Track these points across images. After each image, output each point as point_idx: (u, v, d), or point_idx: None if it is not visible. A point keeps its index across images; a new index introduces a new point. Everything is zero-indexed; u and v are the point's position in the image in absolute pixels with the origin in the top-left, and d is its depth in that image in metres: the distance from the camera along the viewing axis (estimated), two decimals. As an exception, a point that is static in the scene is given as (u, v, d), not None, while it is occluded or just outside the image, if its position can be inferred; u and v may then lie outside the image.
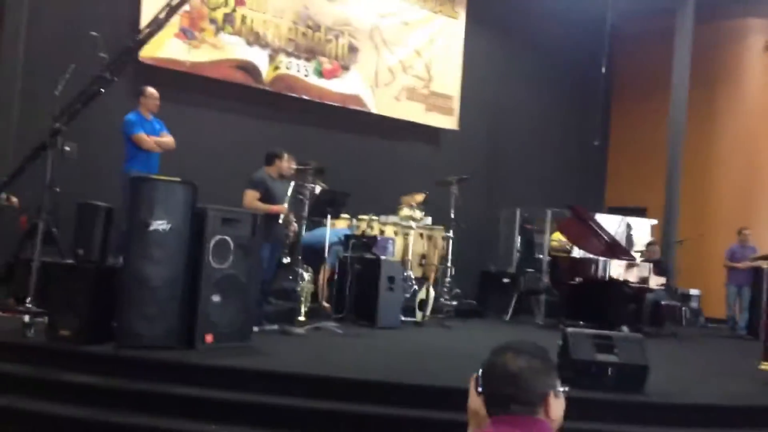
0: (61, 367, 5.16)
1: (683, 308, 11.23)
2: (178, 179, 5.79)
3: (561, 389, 1.89)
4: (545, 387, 1.85)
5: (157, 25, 6.30)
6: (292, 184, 7.45)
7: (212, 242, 5.76)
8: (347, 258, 8.24)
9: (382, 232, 9.41)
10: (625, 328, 8.66)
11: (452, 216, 9.66)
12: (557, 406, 1.87)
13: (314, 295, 8.07)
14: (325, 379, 5.11)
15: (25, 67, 8.27)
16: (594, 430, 4.78)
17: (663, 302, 10.22)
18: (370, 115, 11.57)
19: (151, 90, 7.58)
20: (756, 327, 10.18)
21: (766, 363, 6.33)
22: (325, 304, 8.20)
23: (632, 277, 9.71)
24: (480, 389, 1.88)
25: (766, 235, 12.52)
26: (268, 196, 7.13)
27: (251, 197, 7.06)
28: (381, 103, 11.69)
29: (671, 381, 5.95)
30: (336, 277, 8.32)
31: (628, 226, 12.21)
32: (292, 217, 8.38)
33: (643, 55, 14.29)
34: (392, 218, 9.71)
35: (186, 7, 7.24)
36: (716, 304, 11.92)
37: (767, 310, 6.85)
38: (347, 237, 8.46)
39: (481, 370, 1.90)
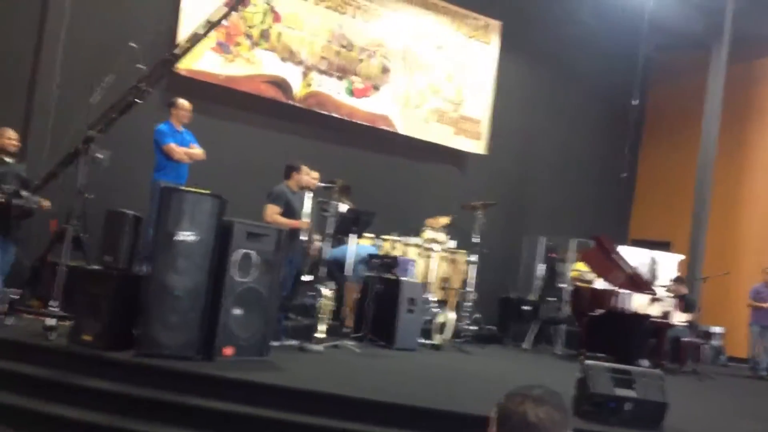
0: (81, 372, 5.22)
1: (705, 346, 11.12)
2: (206, 191, 5.85)
3: None
4: None
5: (195, 39, 6.40)
6: (310, 195, 7.48)
7: (236, 255, 5.82)
8: (368, 277, 8.26)
9: (404, 253, 9.43)
10: (645, 362, 8.57)
11: (475, 240, 9.65)
12: None
13: (334, 312, 8.09)
14: (340, 398, 5.11)
15: (63, 75, 8.44)
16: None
17: (684, 339, 10.11)
18: (398, 135, 11.63)
19: (182, 101, 7.69)
20: (778, 368, 10.05)
21: (787, 407, 6.23)
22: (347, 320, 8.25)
23: (654, 311, 9.62)
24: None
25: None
26: (288, 210, 7.18)
27: (272, 212, 7.11)
28: (410, 125, 11.75)
29: (689, 420, 5.89)
30: (358, 294, 8.34)
31: (653, 260, 12.11)
32: (316, 234, 8.44)
33: (675, 88, 14.23)
34: (415, 240, 9.73)
35: (224, 22, 7.35)
36: (739, 343, 11.77)
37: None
38: (370, 256, 8.49)
39: (496, 414, 1.89)
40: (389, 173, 11.41)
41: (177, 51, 6.49)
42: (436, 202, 10.86)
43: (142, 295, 5.59)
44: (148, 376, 5.19)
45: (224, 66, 9.78)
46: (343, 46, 11.04)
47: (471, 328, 9.61)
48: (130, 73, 6.24)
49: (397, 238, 9.47)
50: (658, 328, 9.68)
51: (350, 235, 8.04)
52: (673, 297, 10.25)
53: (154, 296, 5.50)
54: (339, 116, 11.00)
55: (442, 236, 9.85)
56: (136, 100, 6.15)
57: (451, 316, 8.82)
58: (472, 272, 9.67)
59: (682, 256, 12.43)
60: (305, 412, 4.91)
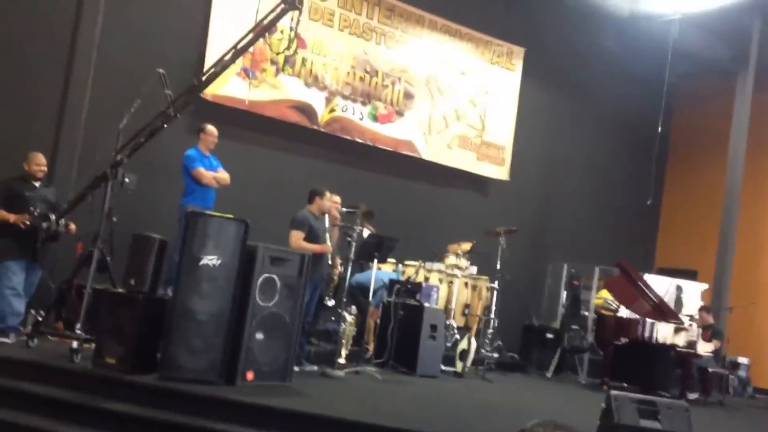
0: (104, 395, 5.25)
1: (731, 377, 10.94)
2: (231, 216, 5.89)
3: None
4: None
5: (222, 65, 6.47)
6: (327, 218, 7.51)
7: (260, 280, 5.84)
8: (390, 303, 8.24)
9: (427, 279, 9.41)
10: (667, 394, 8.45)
11: (498, 267, 9.61)
12: None
13: (356, 338, 8.08)
14: (361, 425, 5.08)
15: (91, 99, 8.56)
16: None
17: (710, 369, 9.95)
18: (421, 161, 11.65)
19: (211, 128, 7.80)
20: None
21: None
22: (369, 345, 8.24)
23: (680, 341, 9.50)
24: None
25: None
26: (311, 235, 7.20)
27: (296, 237, 7.13)
28: (433, 150, 11.77)
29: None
30: (379, 320, 8.33)
31: (679, 289, 11.96)
32: (338, 260, 8.45)
33: (700, 115, 14.17)
34: (438, 266, 9.70)
35: (250, 49, 7.45)
36: (765, 375, 11.56)
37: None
38: (392, 282, 8.47)
39: None
40: (412, 198, 11.42)
41: (204, 77, 6.57)
42: (459, 227, 10.84)
43: (166, 319, 5.62)
44: (170, 400, 5.21)
45: (249, 91, 9.87)
46: (367, 72, 11.11)
47: (493, 355, 9.54)
48: (158, 98, 6.32)
49: (419, 264, 9.44)
50: (684, 358, 9.55)
51: (373, 261, 8.03)
52: (699, 327, 10.12)
53: (177, 320, 5.53)
54: (362, 141, 11.04)
55: (464, 262, 9.82)
56: (163, 124, 6.22)
57: (473, 343, 8.76)
58: (494, 299, 9.62)
59: (707, 285, 12.28)
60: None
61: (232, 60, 6.51)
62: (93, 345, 5.80)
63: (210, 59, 8.65)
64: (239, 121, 9.71)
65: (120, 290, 5.97)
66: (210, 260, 5.62)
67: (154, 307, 5.80)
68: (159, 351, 5.65)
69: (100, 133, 7.77)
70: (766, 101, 12.99)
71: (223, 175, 7.78)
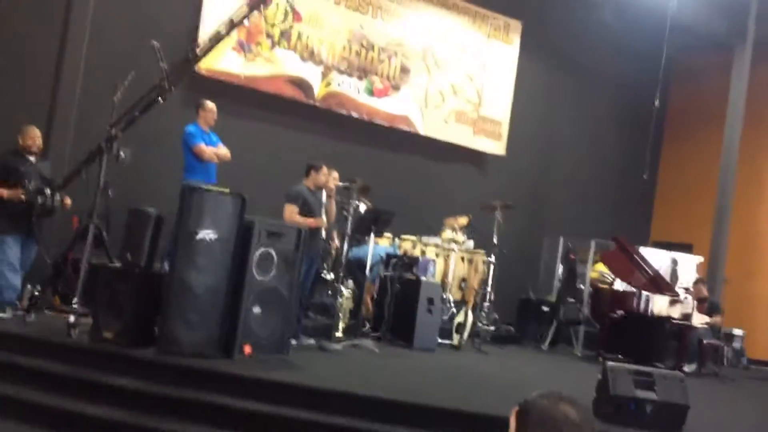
0: (102, 369, 5.27)
1: (726, 348, 11.01)
2: (227, 190, 5.89)
3: None
4: None
5: (217, 38, 6.42)
6: (324, 192, 7.51)
7: (257, 254, 5.85)
8: (387, 277, 8.26)
9: (423, 253, 9.42)
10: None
11: (494, 241, 9.62)
12: None
13: (353, 312, 8.11)
14: (358, 397, 5.13)
15: (85, 73, 8.51)
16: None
17: (705, 341, 10.02)
18: (418, 136, 11.62)
19: (210, 104, 7.76)
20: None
21: (810, 411, 6.16)
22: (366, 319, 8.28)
23: (675, 313, 9.55)
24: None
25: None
26: (306, 209, 7.20)
27: (290, 211, 7.12)
28: (429, 125, 11.74)
29: (711, 423, 5.84)
30: (376, 294, 8.36)
31: (674, 262, 12.01)
32: (335, 234, 8.46)
33: (697, 90, 14.12)
34: (434, 240, 9.72)
35: (245, 22, 7.38)
36: (761, 346, 11.65)
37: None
38: (389, 256, 8.49)
39: (528, 415, 1.84)
40: (409, 173, 11.40)
41: (199, 50, 6.52)
42: (456, 202, 10.83)
43: (163, 293, 5.63)
44: (168, 374, 5.24)
45: (245, 66, 9.82)
46: (363, 46, 11.04)
47: (489, 328, 9.59)
48: (152, 71, 6.28)
49: (416, 238, 9.46)
50: (680, 330, 9.61)
51: (369, 235, 8.04)
52: (694, 299, 10.17)
53: (174, 294, 5.54)
54: (359, 116, 11.00)
55: (461, 236, 9.82)
56: (158, 98, 6.18)
57: (470, 316, 8.80)
58: (491, 272, 9.65)
59: (702, 258, 12.33)
60: (323, 411, 4.93)
61: (227, 33, 6.45)
62: (90, 319, 5.81)
63: (205, 32, 8.58)
64: (235, 96, 9.66)
65: (116, 265, 5.97)
66: (206, 234, 5.63)
67: (150, 281, 5.82)
68: (156, 325, 5.67)
69: (95, 107, 7.74)
70: (763, 74, 12.95)
71: (224, 150, 7.75)
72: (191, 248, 5.61)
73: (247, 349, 5.77)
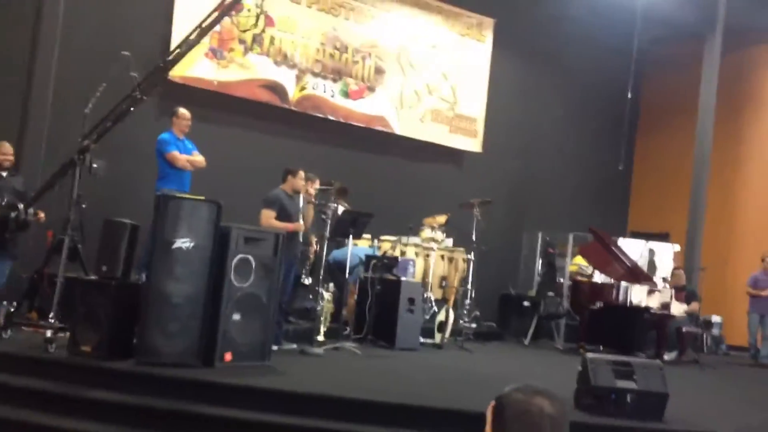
0: (81, 383, 5.23)
1: (705, 335, 11.14)
2: (202, 198, 5.87)
3: None
4: (568, 430, 1.86)
5: (187, 45, 6.40)
6: (302, 197, 7.52)
7: (234, 261, 5.84)
8: (368, 279, 8.28)
9: (403, 253, 9.45)
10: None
11: (474, 238, 9.67)
12: None
13: (335, 315, 8.12)
14: (340, 400, 5.14)
15: (56, 85, 8.45)
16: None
17: (685, 329, 10.13)
18: (394, 136, 11.65)
19: (183, 111, 7.74)
20: (778, 355, 10.07)
21: (788, 394, 6.25)
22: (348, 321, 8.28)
23: (654, 302, 9.64)
24: (497, 427, 1.86)
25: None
26: (283, 214, 7.20)
27: (267, 216, 7.13)
28: (406, 125, 11.76)
29: (691, 409, 5.91)
30: (356, 297, 8.37)
31: (651, 252, 12.13)
32: (314, 238, 8.46)
33: (669, 80, 14.24)
34: (414, 239, 9.74)
35: (216, 28, 7.37)
36: (738, 332, 11.78)
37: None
38: (368, 257, 8.50)
39: (504, 409, 1.86)
40: (386, 174, 11.43)
41: (170, 58, 6.50)
42: (434, 201, 10.87)
43: (141, 304, 5.60)
44: (148, 385, 5.21)
45: (218, 72, 9.80)
46: (337, 48, 11.05)
47: (471, 325, 9.63)
48: (124, 81, 6.25)
49: (395, 238, 9.48)
50: (659, 319, 9.71)
51: (349, 237, 8.05)
52: (672, 288, 10.27)
53: (152, 304, 5.52)
54: (335, 118, 11.01)
55: (440, 235, 9.86)
56: (130, 108, 6.16)
57: (451, 314, 8.84)
58: (471, 270, 9.69)
59: (679, 247, 12.45)
60: (306, 415, 4.93)
61: (198, 39, 6.43)
62: (67, 334, 5.77)
63: (176, 40, 8.56)
64: (209, 103, 9.64)
65: (92, 277, 5.94)
66: (183, 243, 5.61)
67: (127, 292, 5.79)
68: (135, 336, 5.64)
69: (67, 119, 7.70)
70: (734, 63, 13.10)
71: (198, 158, 7.74)
72: (168, 257, 5.59)
73: (228, 356, 5.76)
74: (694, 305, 10.53)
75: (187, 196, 6.06)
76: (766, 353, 10.82)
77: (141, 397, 5.06)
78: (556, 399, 1.87)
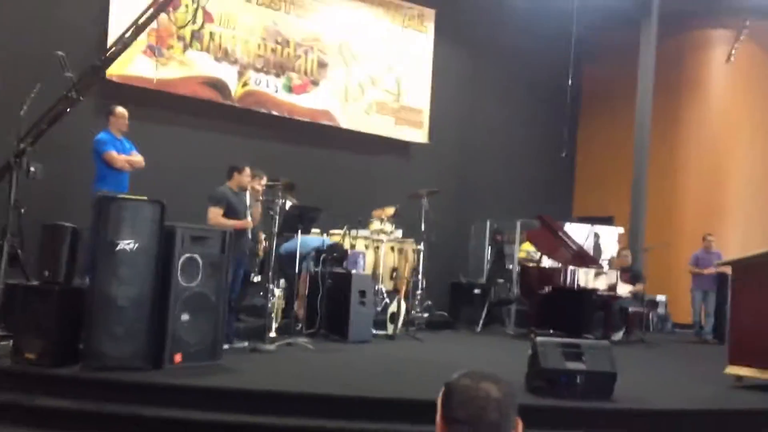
0: (26, 391, 5.10)
1: (650, 314, 11.41)
2: (144, 198, 5.77)
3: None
4: (516, 413, 1.89)
5: (123, 43, 6.30)
6: (248, 193, 7.45)
7: (181, 260, 5.76)
8: (318, 273, 8.25)
9: (353, 246, 9.44)
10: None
11: (423, 229, 9.72)
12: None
13: (285, 311, 8.07)
14: (295, 396, 5.12)
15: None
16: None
17: (631, 309, 10.35)
18: (340, 129, 11.62)
19: (120, 109, 7.56)
20: (722, 331, 10.35)
21: (731, 367, 6.42)
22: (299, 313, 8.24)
23: (600, 284, 9.83)
24: (446, 414, 1.89)
25: (730, 241, 12.75)
26: (231, 211, 7.12)
27: (214, 214, 7.04)
28: (351, 118, 11.75)
29: (639, 387, 6.03)
30: (307, 290, 8.33)
31: (596, 235, 12.36)
32: (262, 234, 8.40)
33: (608, 67, 14.50)
34: (363, 232, 9.74)
35: (153, 25, 7.25)
36: (683, 310, 12.10)
37: (732, 315, 6.95)
38: (318, 251, 8.47)
39: (452, 396, 1.88)
40: (333, 168, 11.39)
41: (106, 56, 6.38)
42: (382, 193, 10.89)
43: (86, 308, 5.49)
44: (97, 390, 5.11)
45: (157, 70, 9.63)
46: (279, 43, 10.97)
47: (423, 315, 9.69)
48: (60, 81, 6.11)
49: (344, 232, 9.47)
50: (605, 300, 9.90)
51: (297, 232, 8.01)
52: (618, 269, 10.49)
53: (97, 308, 5.41)
54: (279, 114, 10.94)
55: (389, 227, 9.88)
56: (66, 109, 6.03)
57: (403, 305, 8.87)
58: (421, 260, 9.74)
59: (623, 229, 12.72)
60: (260, 413, 4.90)
61: (134, 37, 6.34)
62: (10, 342, 5.62)
63: (112, 38, 8.38)
64: (149, 101, 9.48)
65: (34, 283, 5.80)
66: (126, 245, 5.50)
67: (71, 297, 5.65)
68: (81, 342, 5.52)
69: (2, 123, 7.47)
70: (671, 48, 13.40)
71: (137, 158, 7.58)
72: (112, 260, 5.48)
73: (177, 357, 5.68)
74: (639, 286, 10.77)
75: (130, 196, 5.93)
76: (710, 330, 11.12)
77: (89, 403, 4.95)
78: (503, 383, 1.89)
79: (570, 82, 12.96)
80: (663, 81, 13.01)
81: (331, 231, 9.46)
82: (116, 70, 8.92)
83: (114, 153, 7.32)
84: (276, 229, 7.69)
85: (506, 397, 1.86)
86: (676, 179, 13.75)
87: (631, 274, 10.79)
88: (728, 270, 8.06)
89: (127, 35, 6.27)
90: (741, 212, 13.73)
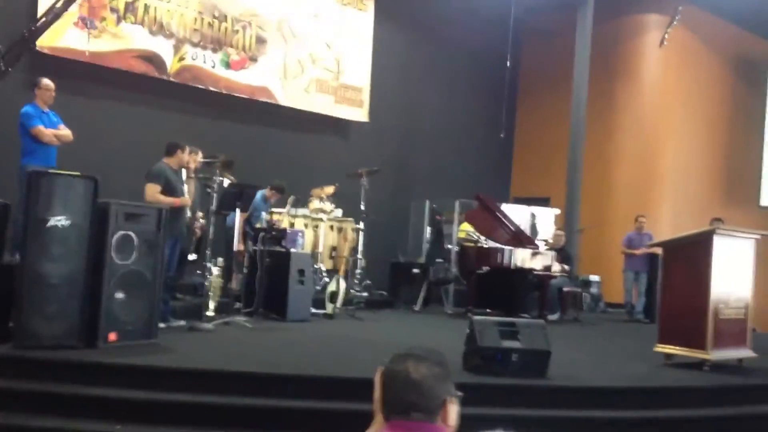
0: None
1: (584, 294, 11.65)
2: (77, 173, 5.61)
3: (456, 394, 1.94)
4: (445, 394, 1.90)
5: (54, 14, 6.08)
6: (184, 171, 7.31)
7: (115, 238, 5.63)
8: (256, 252, 8.18)
9: (292, 224, 9.38)
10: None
11: (362, 208, 9.71)
12: (454, 412, 1.92)
13: (223, 290, 7.97)
14: (232, 375, 5.08)
15: None
16: (500, 415, 4.91)
17: (565, 288, 10.57)
18: (279, 107, 11.49)
19: (46, 81, 7.31)
20: (652, 311, 10.65)
21: (661, 345, 6.62)
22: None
23: (537, 264, 10.00)
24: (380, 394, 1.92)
25: (662, 223, 13.14)
26: (169, 189, 6.96)
27: (152, 191, 6.88)
28: (290, 95, 11.63)
29: (573, 365, 6.18)
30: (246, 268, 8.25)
31: (533, 216, 12.56)
32: (199, 213, 8.27)
33: (546, 49, 14.69)
34: (302, 211, 9.69)
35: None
36: (616, 290, 12.41)
37: (662, 295, 7.15)
38: (255, 231, 8.40)
39: (381, 377, 1.93)
40: (272, 145, 11.28)
41: (35, 27, 6.14)
42: (322, 172, 10.84)
43: (16, 286, 5.32)
44: (28, 369, 4.98)
45: (89, 42, 9.32)
46: (216, 18, 10.74)
47: (362, 294, 9.71)
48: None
49: (283, 210, 9.41)
50: (541, 280, 10.08)
51: (235, 210, 7.91)
52: (551, 249, 10.67)
53: (28, 286, 5.26)
54: (216, 90, 10.74)
55: (328, 206, 9.85)
56: (-7, 80, 5.80)
57: (342, 284, 8.87)
58: (361, 239, 9.75)
59: (558, 211, 12.96)
60: (196, 392, 4.84)
61: (65, 7, 6.13)
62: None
63: (42, 8, 8.08)
64: (82, 74, 9.19)
65: (-39, 261, 5.60)
66: (58, 221, 5.35)
67: (1, 274, 5.48)
68: (11, 320, 5.36)
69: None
70: (607, 33, 13.63)
71: (65, 131, 7.33)
72: (42, 236, 5.32)
73: (112, 336, 5.57)
74: (563, 266, 10.92)
75: (62, 171, 5.75)
76: (641, 309, 11.43)
77: (21, 382, 4.83)
78: (427, 362, 1.91)
79: (508, 63, 13.08)
80: (599, 64, 13.24)
81: (272, 210, 9.38)
82: (47, 42, 8.62)
83: (42, 127, 7.09)
84: (214, 207, 7.58)
85: (427, 378, 1.88)
86: (611, 162, 14.06)
87: (562, 255, 10.99)
88: (660, 251, 8.27)
89: (58, 5, 6.06)
90: (673, 194, 14.15)
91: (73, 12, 8.61)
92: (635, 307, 11.51)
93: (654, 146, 14.07)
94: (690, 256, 6.59)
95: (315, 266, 9.12)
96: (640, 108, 14.15)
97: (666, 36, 14.05)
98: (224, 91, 10.81)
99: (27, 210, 5.43)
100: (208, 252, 7.70)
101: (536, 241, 10.89)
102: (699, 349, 6.32)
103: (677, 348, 6.49)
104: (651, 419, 5.28)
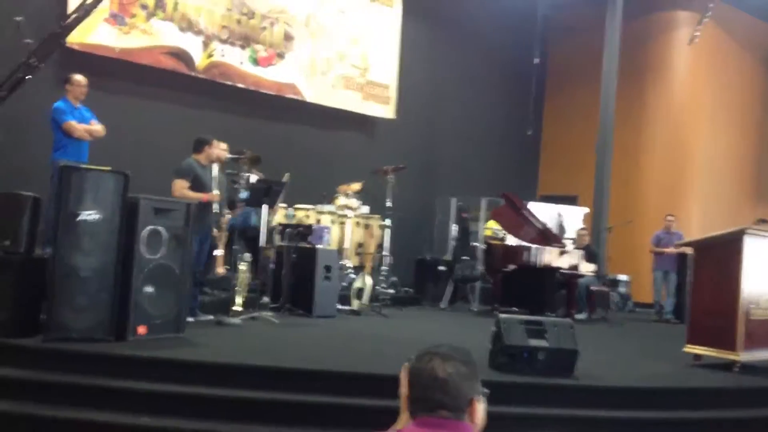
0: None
1: (612, 293, 11.55)
2: (108, 168, 5.67)
3: (483, 392, 1.93)
4: (471, 392, 1.90)
5: (84, 10, 6.14)
6: (215, 167, 7.34)
7: (144, 232, 5.68)
8: (283, 247, 8.21)
9: (318, 221, 9.41)
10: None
11: (388, 205, 9.71)
12: (481, 410, 1.92)
13: (250, 284, 8.00)
14: (259, 369, 5.10)
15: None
16: (526, 414, 4.89)
17: (593, 288, 10.48)
18: (306, 104, 11.52)
19: (78, 77, 7.39)
20: (681, 311, 10.54)
21: (690, 346, 6.55)
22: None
23: (564, 263, 9.93)
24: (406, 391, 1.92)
25: (691, 222, 12.98)
26: (197, 184, 7.01)
27: (180, 186, 6.93)
28: (317, 92, 11.65)
29: (600, 364, 6.12)
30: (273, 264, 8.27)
31: (560, 214, 12.47)
32: (226, 209, 8.30)
33: (575, 46, 14.57)
34: (328, 207, 9.71)
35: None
36: (644, 290, 12.29)
37: (692, 295, 7.07)
38: (283, 226, 8.42)
39: (406, 374, 1.94)
40: (299, 142, 11.31)
41: (66, 23, 6.21)
42: (348, 168, 10.85)
43: (48, 279, 5.39)
44: (58, 361, 5.04)
45: (119, 38, 9.42)
46: (244, 14, 10.79)
47: (388, 291, 9.70)
48: (18, 48, 5.94)
49: (310, 207, 9.43)
50: (568, 279, 10.01)
51: (262, 207, 7.94)
52: (577, 248, 10.58)
53: (59, 279, 5.32)
54: (244, 86, 10.79)
55: (355, 202, 9.86)
56: (25, 76, 5.87)
57: (368, 280, 8.87)
58: (387, 236, 9.74)
59: (587, 209, 12.85)
60: (224, 386, 4.87)
61: (95, 4, 6.17)
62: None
63: (73, 4, 8.17)
64: (112, 71, 9.28)
65: (-6, 253, 5.67)
66: (89, 215, 5.41)
67: (32, 267, 5.57)
68: (43, 312, 5.43)
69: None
70: (636, 29, 13.50)
71: (97, 127, 7.42)
72: (73, 230, 5.39)
73: (141, 329, 5.62)
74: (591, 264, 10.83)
75: (93, 166, 5.82)
76: (670, 309, 11.30)
77: (51, 374, 4.89)
78: (453, 361, 1.91)
79: (536, 60, 13.00)
80: (628, 61, 13.11)
81: (297, 206, 9.41)
82: (77, 38, 8.71)
83: (74, 122, 7.17)
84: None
85: (453, 377, 1.88)
86: (640, 160, 13.93)
87: (587, 254, 10.90)
88: (689, 250, 8.18)
89: (88, 2, 6.11)
90: (702, 193, 13.98)
91: (104, 8, 8.69)
92: (664, 306, 11.39)
93: (683, 145, 13.91)
94: (720, 256, 6.51)
95: (341, 262, 9.12)
96: (669, 105, 14.00)
97: (696, 33, 13.87)
98: (252, 88, 10.86)
99: (58, 204, 5.50)
100: (235, 247, 7.74)
101: (563, 240, 10.81)
102: (729, 350, 6.23)
103: (707, 348, 6.41)
104: (679, 420, 5.23)
